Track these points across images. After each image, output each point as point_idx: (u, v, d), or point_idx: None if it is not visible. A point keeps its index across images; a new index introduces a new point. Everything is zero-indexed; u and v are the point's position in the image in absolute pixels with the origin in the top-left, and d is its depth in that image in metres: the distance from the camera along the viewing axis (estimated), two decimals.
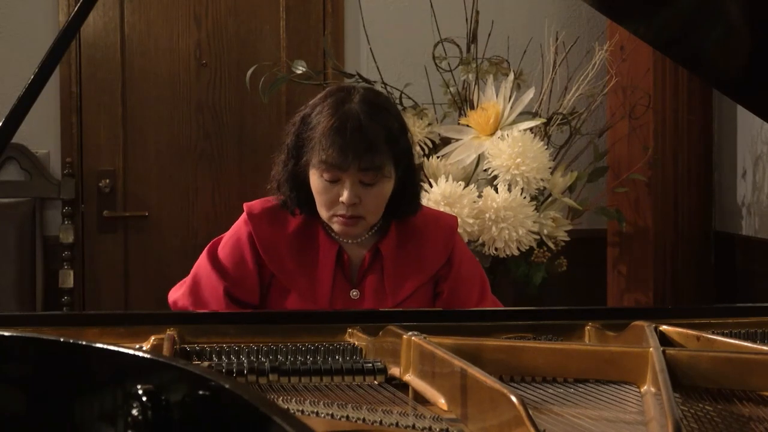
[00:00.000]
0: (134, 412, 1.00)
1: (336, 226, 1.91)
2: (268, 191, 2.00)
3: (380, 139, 1.85)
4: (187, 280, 2.00)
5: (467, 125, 3.03)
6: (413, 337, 1.34)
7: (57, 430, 1.15)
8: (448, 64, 3.14)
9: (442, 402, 1.23)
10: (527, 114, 3.09)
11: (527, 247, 2.88)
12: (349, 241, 1.96)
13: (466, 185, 2.83)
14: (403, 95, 3.15)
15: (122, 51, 3.60)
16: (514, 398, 1.01)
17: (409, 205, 1.97)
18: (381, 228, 1.99)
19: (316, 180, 1.89)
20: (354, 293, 1.95)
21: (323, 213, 1.91)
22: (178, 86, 3.64)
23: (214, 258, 1.97)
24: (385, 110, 1.91)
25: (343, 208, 1.87)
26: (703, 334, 1.45)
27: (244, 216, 1.99)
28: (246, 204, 2.01)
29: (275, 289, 1.95)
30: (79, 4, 1.63)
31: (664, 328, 1.49)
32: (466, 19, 3.17)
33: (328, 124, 1.85)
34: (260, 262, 1.95)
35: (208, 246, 2.00)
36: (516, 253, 2.84)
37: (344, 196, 1.86)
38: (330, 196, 1.88)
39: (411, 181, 1.97)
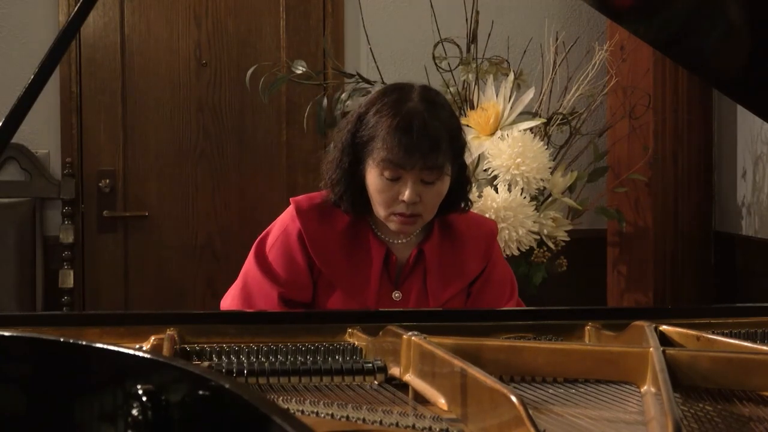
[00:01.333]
0: (134, 412, 1.00)
1: (393, 225, 1.91)
2: (320, 189, 1.99)
3: (443, 138, 1.85)
4: (236, 287, 1.97)
5: (467, 125, 3.03)
6: (413, 337, 1.34)
7: (57, 430, 1.15)
8: (448, 64, 3.14)
9: (442, 402, 1.23)
10: (527, 114, 3.09)
11: (527, 247, 2.88)
12: (396, 241, 1.97)
13: None
14: None
15: (122, 51, 3.60)
16: (514, 398, 1.01)
17: (460, 202, 1.98)
18: (424, 227, 1.99)
19: (375, 178, 1.88)
20: (396, 295, 1.95)
21: (381, 211, 1.90)
22: (178, 86, 3.64)
23: (263, 262, 1.95)
24: (445, 109, 1.92)
25: (403, 207, 1.87)
26: (703, 334, 1.45)
27: (291, 212, 1.97)
28: (293, 199, 1.99)
29: (321, 285, 1.94)
30: (79, 4, 1.63)
31: (664, 328, 1.49)
32: (466, 19, 3.17)
33: (392, 123, 1.84)
34: (310, 259, 1.93)
35: (254, 247, 1.98)
36: (516, 253, 2.84)
37: (406, 194, 1.85)
38: (390, 194, 1.87)
39: (464, 178, 1.98)
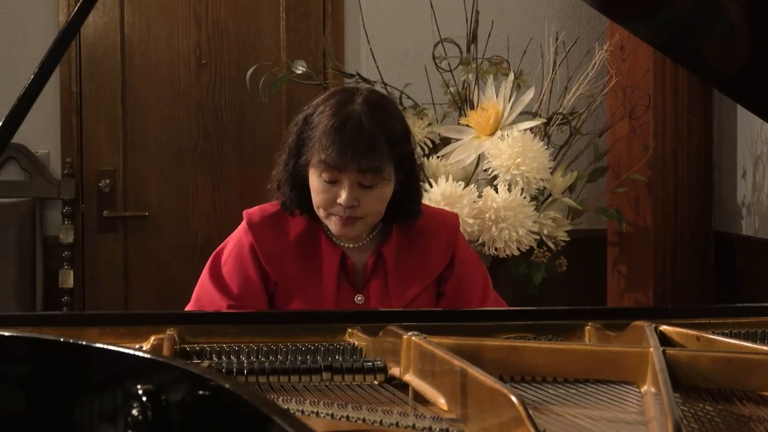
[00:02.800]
0: (134, 412, 1.00)
1: (333, 226, 1.90)
2: (269, 191, 1.99)
3: (380, 141, 1.83)
4: (191, 302, 1.97)
5: (467, 125, 3.03)
6: (413, 337, 1.34)
7: (57, 430, 1.15)
8: (448, 64, 3.14)
9: (442, 402, 1.23)
10: (527, 114, 3.09)
11: (527, 247, 2.88)
12: (351, 245, 1.95)
13: (466, 185, 2.83)
14: (403, 95, 3.15)
15: (122, 51, 3.60)
16: (514, 398, 1.01)
17: (409, 211, 1.96)
18: (382, 231, 1.98)
19: (315, 180, 1.88)
20: (359, 298, 1.94)
21: (320, 213, 1.90)
22: (178, 86, 3.64)
23: (216, 276, 1.94)
24: (388, 112, 1.90)
25: (341, 210, 1.86)
26: (703, 334, 1.45)
27: (244, 225, 1.97)
28: (246, 212, 1.98)
29: (279, 295, 1.94)
30: (79, 4, 1.63)
31: (664, 328, 1.49)
32: (466, 19, 3.17)
33: (329, 124, 1.83)
34: (264, 272, 1.93)
35: (209, 262, 1.97)
36: (516, 253, 2.84)
37: (342, 197, 1.84)
38: (328, 196, 1.86)
39: (412, 186, 1.95)
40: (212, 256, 1.99)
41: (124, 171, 3.62)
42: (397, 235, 1.97)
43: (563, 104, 3.19)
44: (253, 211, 1.98)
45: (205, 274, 1.96)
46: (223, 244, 2.01)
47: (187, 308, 1.96)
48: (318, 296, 1.91)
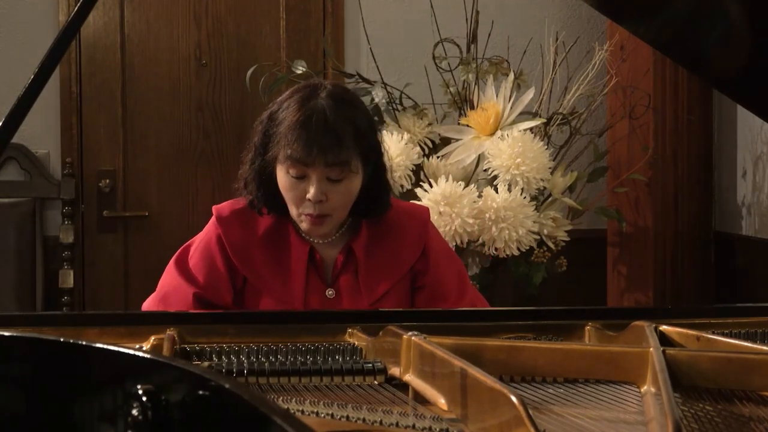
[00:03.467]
0: (134, 412, 1.00)
1: (304, 225, 1.89)
2: (236, 191, 1.98)
3: (346, 134, 1.83)
4: (156, 290, 1.96)
5: (467, 125, 3.03)
6: (413, 337, 1.34)
7: (57, 430, 1.15)
8: (448, 64, 3.14)
9: (442, 402, 1.23)
10: (527, 114, 3.09)
11: (527, 247, 2.88)
12: (320, 240, 1.95)
13: (466, 185, 2.83)
14: (403, 95, 3.15)
15: (122, 51, 3.60)
16: (514, 398, 1.01)
17: (378, 204, 1.95)
18: (351, 226, 1.97)
19: (282, 177, 1.87)
20: (329, 292, 1.93)
21: (292, 211, 1.89)
22: (178, 86, 3.64)
23: (182, 266, 1.94)
24: (353, 106, 1.89)
25: (311, 206, 1.85)
26: (703, 334, 1.45)
27: (213, 219, 1.96)
28: (215, 207, 1.98)
29: (249, 291, 1.93)
30: (79, 4, 1.63)
31: (664, 328, 1.49)
32: (466, 19, 3.17)
33: (294, 119, 1.83)
34: (231, 265, 1.92)
35: (175, 255, 1.97)
36: (516, 253, 2.84)
37: (311, 192, 1.83)
38: (297, 192, 1.86)
39: (380, 179, 1.94)
40: (179, 250, 1.98)
41: (124, 171, 3.62)
42: (367, 230, 1.96)
43: (563, 104, 3.18)
44: (222, 206, 1.98)
45: (171, 265, 1.96)
46: (191, 239, 2.00)
47: (150, 298, 1.95)
48: (287, 291, 1.90)
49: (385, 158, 1.97)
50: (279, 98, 1.94)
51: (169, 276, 1.95)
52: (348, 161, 1.84)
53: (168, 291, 1.93)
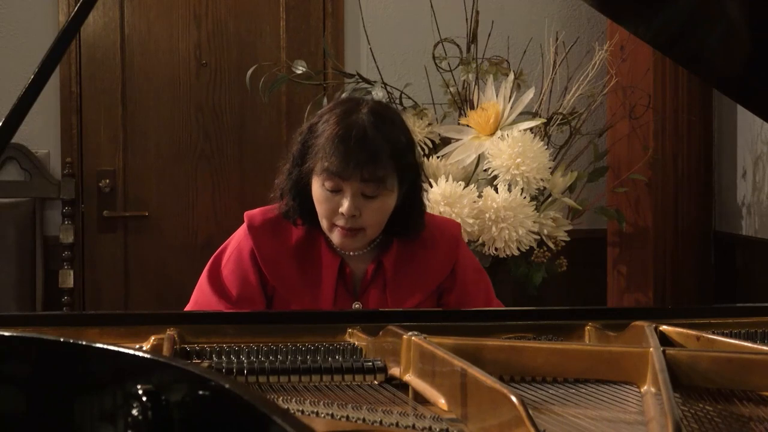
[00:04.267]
0: (134, 412, 1.00)
1: (335, 238, 1.89)
2: (271, 200, 1.98)
3: (384, 151, 1.83)
4: (189, 304, 1.97)
5: (467, 125, 3.03)
6: (413, 337, 1.34)
7: (57, 430, 1.15)
8: (448, 64, 3.14)
9: (442, 402, 1.23)
10: (527, 114, 3.09)
11: (527, 247, 2.88)
12: (351, 253, 1.95)
13: (466, 185, 2.83)
14: (403, 95, 3.15)
15: (122, 51, 3.60)
16: (514, 398, 1.01)
17: (411, 225, 1.95)
18: (383, 242, 1.97)
19: (317, 189, 1.87)
20: (356, 305, 1.93)
21: (324, 223, 1.90)
22: (178, 86, 3.64)
23: (215, 280, 1.94)
24: (393, 123, 1.89)
25: (343, 220, 1.85)
26: (703, 334, 1.45)
27: (244, 228, 1.96)
28: (247, 214, 1.98)
29: (277, 300, 1.94)
30: (79, 4, 1.63)
31: (664, 328, 1.49)
32: (466, 19, 3.17)
33: (333, 132, 1.83)
34: (263, 276, 1.93)
35: (209, 264, 1.97)
36: (516, 253, 2.84)
37: (344, 206, 1.84)
38: (330, 205, 1.86)
39: (415, 198, 1.94)
40: (212, 258, 1.98)
41: (124, 171, 3.62)
42: (398, 245, 1.96)
43: (563, 104, 3.18)
44: (254, 214, 1.97)
45: (203, 278, 1.96)
46: (223, 245, 2.00)
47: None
48: (315, 303, 1.91)
49: (422, 178, 1.97)
50: (320, 110, 1.95)
51: (203, 292, 1.95)
52: (384, 178, 1.84)
53: (201, 307, 1.93)
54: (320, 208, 1.88)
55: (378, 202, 1.86)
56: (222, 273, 1.95)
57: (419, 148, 3.04)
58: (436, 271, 1.96)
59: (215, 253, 1.99)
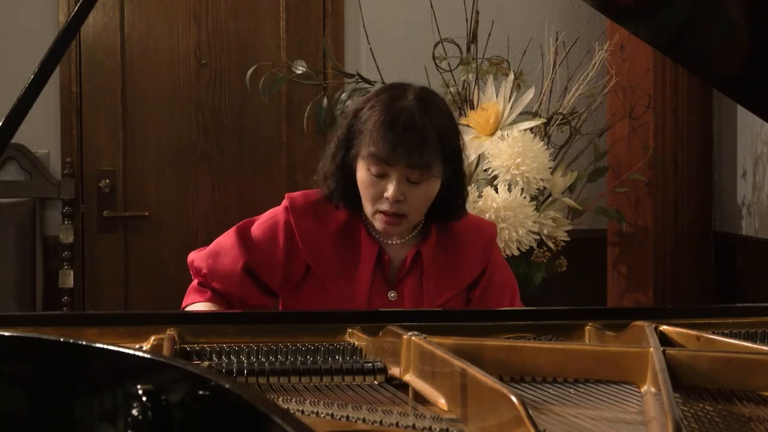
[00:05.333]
0: (134, 412, 1.00)
1: (378, 223, 1.90)
2: (313, 184, 1.99)
3: (431, 138, 1.84)
4: (209, 246, 1.98)
5: (467, 125, 3.03)
6: (413, 337, 1.34)
7: (57, 430, 1.15)
8: (448, 64, 3.14)
9: (442, 402, 1.23)
10: (527, 114, 3.09)
11: (527, 247, 2.88)
12: (390, 241, 1.96)
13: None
14: None
15: (122, 51, 3.60)
16: (514, 398, 1.01)
17: (453, 210, 1.96)
18: (422, 230, 1.98)
19: (363, 173, 1.88)
20: (392, 294, 1.94)
21: (367, 208, 1.90)
22: (178, 86, 3.64)
23: (243, 233, 1.95)
24: (439, 109, 1.90)
25: (387, 204, 1.86)
26: (703, 334, 1.45)
27: (285, 205, 1.97)
28: (288, 195, 1.98)
29: (311, 283, 1.94)
30: (79, 4, 1.63)
31: (664, 328, 1.49)
32: (466, 19, 3.17)
33: (380, 118, 1.84)
34: (292, 252, 1.93)
35: (239, 223, 1.98)
36: (516, 253, 2.84)
37: (389, 191, 1.85)
38: (376, 190, 1.87)
39: (458, 185, 1.96)
40: (242, 221, 1.99)
41: (124, 171, 3.62)
42: (436, 236, 1.97)
43: (563, 104, 3.19)
44: (296, 195, 1.98)
45: (231, 230, 1.97)
46: (255, 216, 2.01)
47: (201, 251, 1.97)
48: (351, 288, 1.91)
49: (465, 164, 1.98)
50: (365, 96, 1.96)
51: (227, 237, 1.96)
52: (430, 165, 1.85)
53: (220, 250, 1.95)
54: (365, 193, 1.89)
55: (423, 188, 1.87)
56: (252, 231, 1.95)
57: None
58: (469, 267, 1.98)
59: (245, 220, 1.99)
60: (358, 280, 1.92)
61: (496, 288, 2.01)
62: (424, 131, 1.84)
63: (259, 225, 1.96)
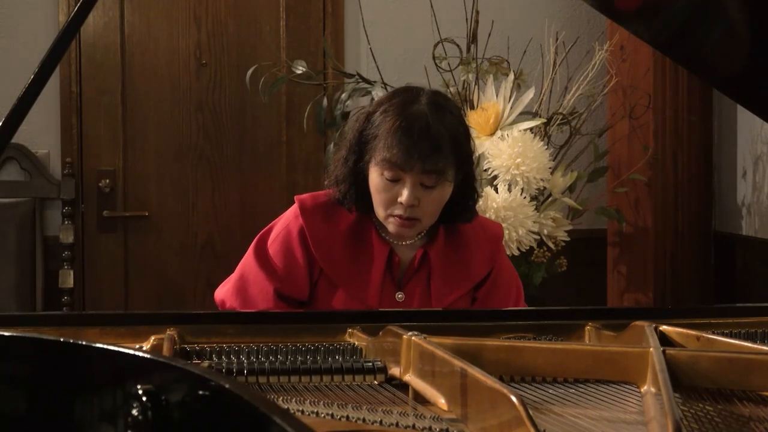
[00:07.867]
0: (134, 412, 1.00)
1: (391, 227, 1.90)
2: (325, 187, 1.99)
3: (446, 143, 1.84)
4: (232, 278, 1.98)
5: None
6: (413, 337, 1.34)
7: (57, 430, 1.15)
8: (448, 64, 3.14)
9: (442, 402, 1.23)
10: (527, 114, 3.09)
11: (527, 247, 2.88)
12: (399, 242, 1.96)
13: None
14: None
15: (122, 51, 3.60)
16: (514, 398, 1.01)
17: (464, 213, 1.97)
18: (429, 231, 1.98)
19: (376, 178, 1.88)
20: (399, 296, 1.94)
21: (380, 212, 1.91)
22: (178, 86, 3.64)
23: (262, 256, 1.95)
24: (452, 114, 1.91)
25: (401, 209, 1.86)
26: (703, 334, 1.45)
27: (295, 209, 1.97)
28: (298, 197, 1.98)
29: (322, 284, 1.94)
30: (79, 4, 1.63)
31: (664, 328, 1.49)
32: (466, 19, 3.17)
33: (395, 124, 1.84)
34: (310, 257, 1.93)
35: (255, 241, 1.98)
36: (516, 253, 2.84)
37: (404, 196, 1.85)
38: (389, 195, 1.87)
39: (469, 188, 1.96)
40: (258, 236, 1.99)
41: (124, 171, 3.62)
42: (444, 237, 1.98)
43: (563, 104, 3.19)
44: (305, 198, 1.98)
45: (250, 254, 1.97)
46: (269, 226, 2.01)
47: (229, 286, 1.97)
48: (362, 289, 1.92)
49: (474, 166, 1.99)
50: (377, 100, 1.96)
51: (249, 266, 1.96)
52: (444, 170, 1.86)
53: (245, 282, 1.95)
54: (378, 197, 1.89)
55: (436, 192, 1.88)
56: (269, 250, 1.95)
57: None
58: (476, 268, 1.98)
59: (260, 233, 2.00)
60: (369, 281, 1.92)
61: (501, 288, 2.01)
62: (439, 137, 1.84)
63: (274, 241, 1.96)
